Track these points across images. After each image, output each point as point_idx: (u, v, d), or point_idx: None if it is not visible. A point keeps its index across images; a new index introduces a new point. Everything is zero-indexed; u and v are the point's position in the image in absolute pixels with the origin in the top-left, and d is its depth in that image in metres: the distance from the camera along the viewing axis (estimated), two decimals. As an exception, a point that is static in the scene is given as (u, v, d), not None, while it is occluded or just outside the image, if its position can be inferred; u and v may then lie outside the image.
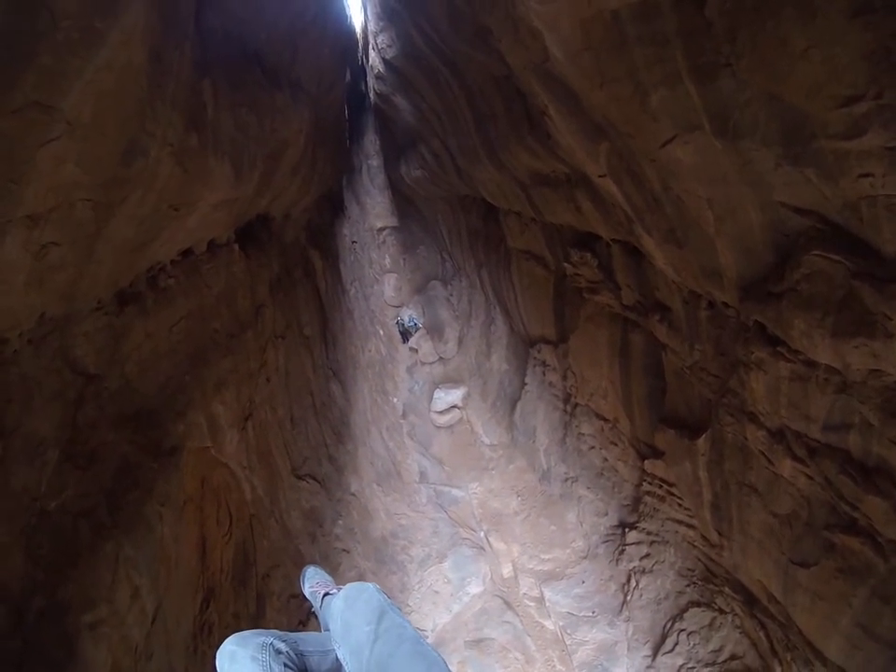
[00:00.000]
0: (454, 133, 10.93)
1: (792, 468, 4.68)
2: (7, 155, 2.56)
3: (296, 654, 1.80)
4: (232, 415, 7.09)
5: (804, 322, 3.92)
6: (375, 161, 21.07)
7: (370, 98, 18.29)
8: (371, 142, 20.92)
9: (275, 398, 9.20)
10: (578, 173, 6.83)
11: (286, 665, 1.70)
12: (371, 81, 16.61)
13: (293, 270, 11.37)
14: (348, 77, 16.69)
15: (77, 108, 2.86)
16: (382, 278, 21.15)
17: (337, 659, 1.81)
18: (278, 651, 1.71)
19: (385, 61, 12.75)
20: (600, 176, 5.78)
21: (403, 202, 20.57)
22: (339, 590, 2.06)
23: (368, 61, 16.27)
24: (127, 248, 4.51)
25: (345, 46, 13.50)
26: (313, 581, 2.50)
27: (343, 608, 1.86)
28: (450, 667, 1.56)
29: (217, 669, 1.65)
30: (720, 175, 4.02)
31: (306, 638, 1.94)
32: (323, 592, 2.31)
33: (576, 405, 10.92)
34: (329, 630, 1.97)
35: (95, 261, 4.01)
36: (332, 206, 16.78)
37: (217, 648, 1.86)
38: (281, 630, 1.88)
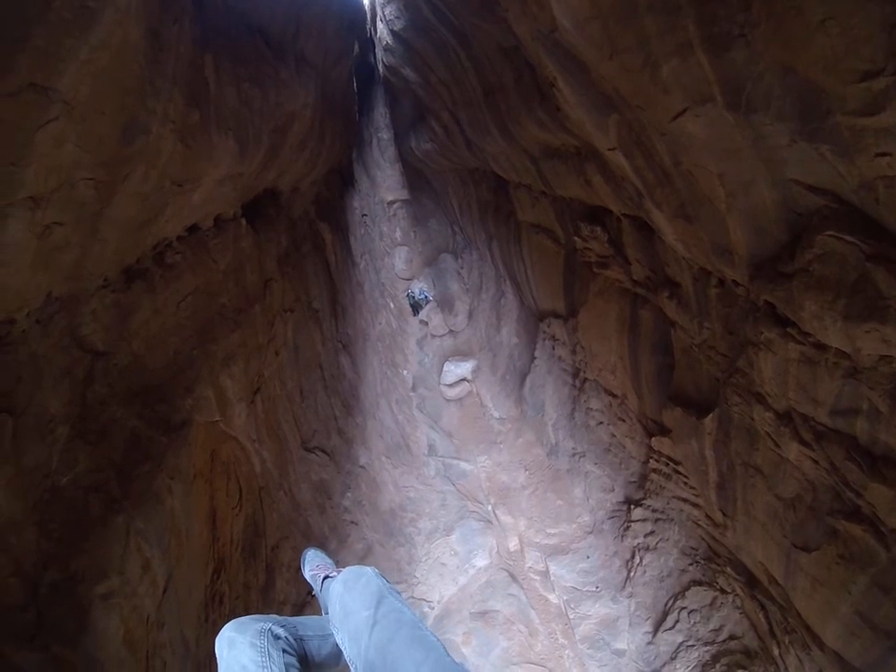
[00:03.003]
0: (463, 105, 10.72)
1: (798, 451, 4.64)
2: (6, 138, 2.56)
3: (295, 639, 1.81)
4: (241, 389, 7.15)
5: (815, 304, 3.82)
6: (385, 135, 20.77)
7: (378, 71, 18.00)
8: (380, 115, 20.59)
9: (284, 371, 9.25)
10: (588, 146, 6.67)
11: (284, 651, 1.71)
12: (379, 54, 16.30)
13: (302, 244, 11.33)
14: (356, 49, 16.36)
15: (73, 88, 2.83)
16: (392, 251, 21.05)
17: (337, 643, 1.82)
18: (277, 637, 1.72)
19: (392, 32, 12.50)
20: (610, 150, 5.63)
21: (414, 175, 20.34)
22: (339, 573, 2.06)
23: (376, 33, 15.96)
24: (132, 226, 4.51)
25: (352, 18, 13.17)
26: (313, 564, 2.49)
27: (342, 591, 1.85)
28: (449, 652, 1.56)
29: (217, 655, 1.65)
30: (732, 150, 3.88)
31: (305, 623, 1.95)
32: (323, 575, 2.30)
33: (585, 380, 10.89)
34: (328, 614, 1.97)
35: (100, 240, 4.02)
36: (342, 180, 16.62)
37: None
38: (281, 614, 1.89)
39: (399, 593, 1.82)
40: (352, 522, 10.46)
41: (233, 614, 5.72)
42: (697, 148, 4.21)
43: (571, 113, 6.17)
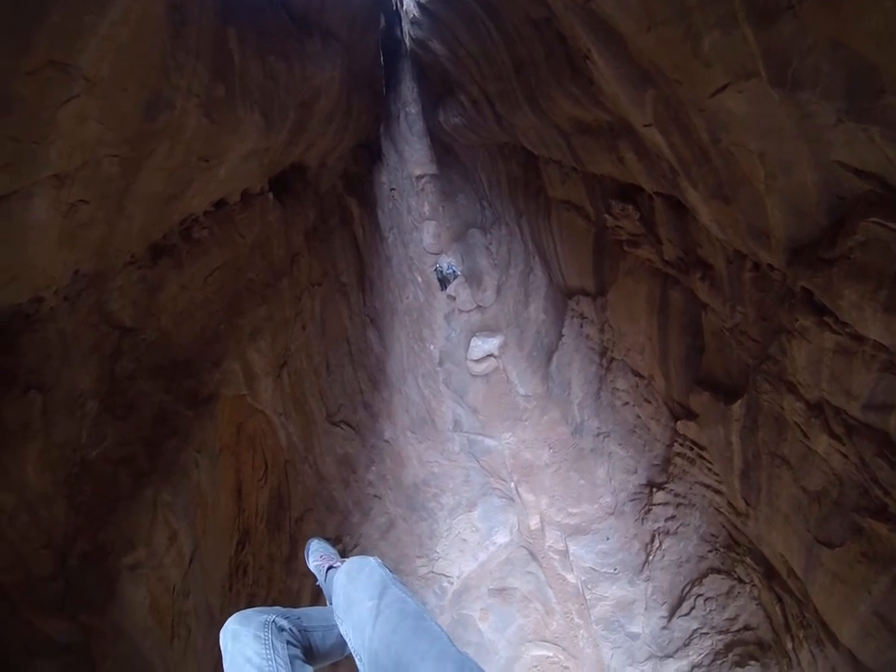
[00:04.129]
0: (492, 79, 10.47)
1: (828, 444, 4.50)
2: (28, 116, 2.56)
3: (299, 631, 1.80)
4: (268, 363, 7.24)
5: (854, 293, 3.66)
6: (413, 109, 20.50)
7: (405, 44, 17.73)
8: (408, 89, 20.30)
9: (311, 345, 9.34)
10: (621, 121, 6.45)
11: (289, 643, 1.71)
12: (406, 27, 16.02)
13: (329, 218, 11.33)
14: (382, 22, 16.11)
15: (94, 65, 2.82)
16: (420, 226, 20.94)
17: (341, 634, 1.82)
18: (281, 629, 1.71)
19: (419, 5, 12.23)
20: (645, 126, 5.44)
21: (442, 149, 20.09)
22: (342, 563, 2.06)
23: (402, 5, 15.65)
24: (158, 202, 4.55)
25: (377, -10, 12.93)
26: (317, 555, 2.48)
27: (345, 582, 1.86)
28: (453, 642, 1.57)
29: (221, 648, 1.66)
30: (774, 129, 3.70)
31: (310, 614, 1.95)
32: (327, 565, 2.29)
33: (612, 359, 10.76)
34: (332, 604, 1.97)
35: (126, 216, 4.06)
36: (370, 154, 16.49)
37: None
38: (285, 606, 1.92)
39: (402, 582, 1.83)
40: (375, 496, 10.62)
41: (257, 584, 5.93)
42: (738, 126, 4.03)
43: (605, 87, 5.96)
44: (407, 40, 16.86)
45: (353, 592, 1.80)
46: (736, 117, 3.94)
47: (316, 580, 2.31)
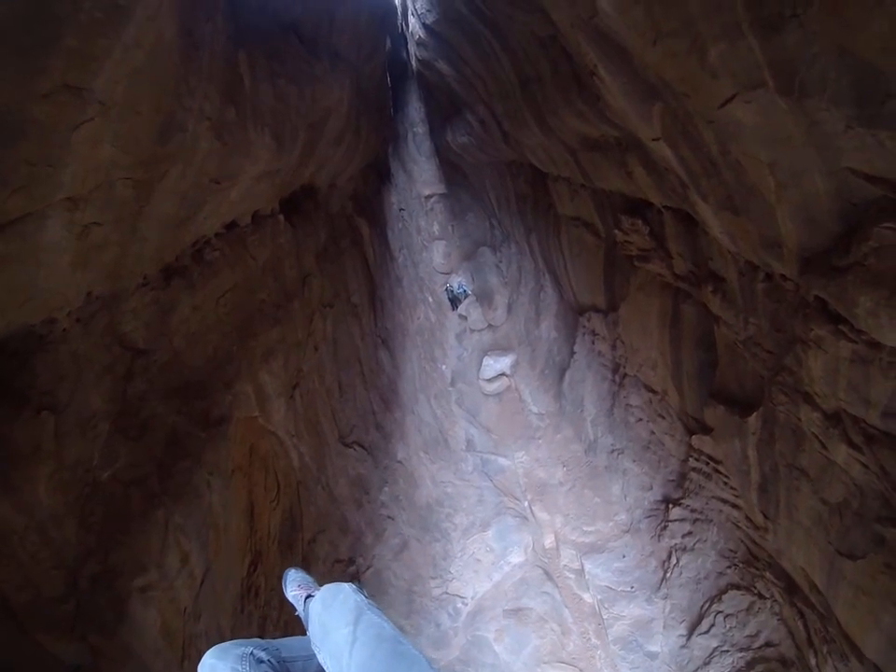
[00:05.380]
0: (499, 97, 10.59)
1: (847, 454, 4.40)
2: (42, 139, 2.61)
3: (278, 662, 1.78)
4: (280, 384, 7.26)
5: (870, 300, 3.60)
6: (420, 129, 20.76)
7: (412, 65, 18.03)
8: (415, 109, 20.59)
9: (323, 366, 9.36)
10: (629, 136, 6.48)
11: None
12: (412, 48, 16.32)
13: (340, 239, 11.44)
14: (388, 44, 16.42)
15: (108, 88, 2.87)
16: (430, 245, 21.07)
17: (320, 663, 1.78)
18: (259, 661, 1.69)
19: (425, 26, 12.45)
20: (654, 140, 5.46)
21: (450, 168, 20.28)
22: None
23: (408, 27, 15.95)
24: (170, 224, 4.60)
25: (384, 13, 13.23)
26: (294, 585, 2.43)
27: (321, 610, 1.84)
28: (431, 664, 1.54)
29: None
30: (783, 138, 3.69)
31: (289, 644, 1.92)
32: (305, 594, 2.24)
33: (625, 375, 10.66)
34: (310, 633, 1.93)
35: (139, 238, 4.11)
36: (378, 175, 16.71)
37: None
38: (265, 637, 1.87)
39: (377, 607, 1.80)
40: (388, 517, 10.54)
41: (269, 606, 5.85)
42: (746, 136, 4.02)
43: (612, 102, 6.00)
44: (413, 61, 17.16)
45: (328, 619, 1.78)
46: (745, 127, 3.93)
47: (296, 610, 2.25)
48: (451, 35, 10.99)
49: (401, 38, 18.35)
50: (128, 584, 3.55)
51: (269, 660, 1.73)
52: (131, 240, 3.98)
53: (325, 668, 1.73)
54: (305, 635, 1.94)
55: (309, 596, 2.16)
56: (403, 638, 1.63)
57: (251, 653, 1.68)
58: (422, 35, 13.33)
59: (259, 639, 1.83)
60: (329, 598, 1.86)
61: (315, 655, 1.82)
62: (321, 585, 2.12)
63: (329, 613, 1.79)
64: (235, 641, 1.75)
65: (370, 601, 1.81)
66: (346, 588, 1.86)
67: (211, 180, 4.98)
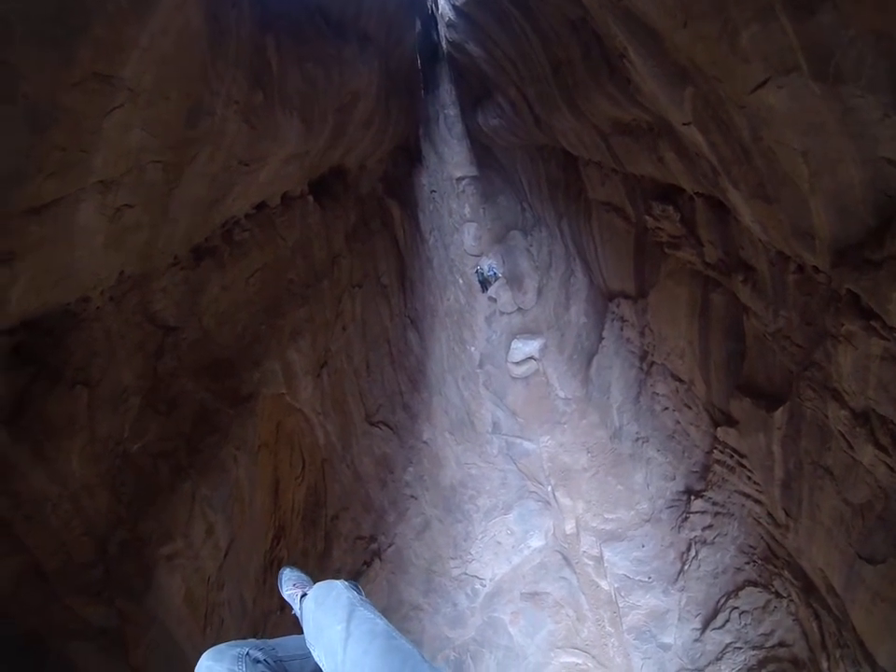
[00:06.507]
0: (530, 80, 10.43)
1: (873, 455, 4.27)
2: (74, 126, 2.69)
3: (275, 661, 1.78)
4: (308, 363, 7.34)
5: (903, 296, 3.49)
6: (452, 111, 20.57)
7: (442, 47, 17.88)
8: (446, 91, 20.39)
9: (352, 346, 9.43)
10: (660, 121, 6.32)
11: None
12: (442, 30, 16.21)
13: (370, 220, 11.45)
14: (418, 26, 16.25)
15: (137, 75, 2.94)
16: (461, 227, 20.99)
17: (316, 662, 1.79)
18: (255, 661, 1.69)
19: (454, 7, 12.31)
20: (684, 124, 5.32)
21: (482, 151, 20.10)
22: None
23: (438, 9, 15.80)
24: (200, 205, 4.70)
25: (412, -6, 13.01)
26: (289, 584, 2.42)
27: (314, 608, 1.86)
28: (425, 657, 1.56)
29: None
30: (817, 125, 3.57)
31: (285, 644, 1.93)
32: (300, 593, 2.21)
33: (652, 363, 10.53)
34: (305, 632, 1.94)
35: (170, 220, 4.22)
36: (409, 156, 16.63)
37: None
38: (342, 577, 1.89)
39: (370, 602, 1.82)
40: (412, 496, 10.66)
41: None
42: (779, 123, 3.90)
43: (643, 86, 5.85)
44: (444, 43, 17.01)
45: (322, 617, 1.79)
46: (778, 113, 3.81)
47: (292, 609, 2.25)
48: (480, 17, 10.85)
49: (431, 20, 18.18)
50: (155, 552, 3.70)
51: (265, 660, 1.74)
52: (161, 221, 4.08)
53: (321, 666, 1.74)
54: (302, 633, 1.94)
55: (304, 595, 2.16)
56: (396, 633, 1.65)
57: (247, 654, 1.69)
58: (452, 17, 13.18)
59: (254, 640, 1.83)
60: (322, 596, 1.87)
61: (311, 654, 1.83)
62: (311, 589, 2.12)
63: (323, 611, 1.81)
64: (231, 643, 1.75)
65: (362, 597, 1.83)
66: (338, 585, 1.88)
67: (240, 162, 5.05)
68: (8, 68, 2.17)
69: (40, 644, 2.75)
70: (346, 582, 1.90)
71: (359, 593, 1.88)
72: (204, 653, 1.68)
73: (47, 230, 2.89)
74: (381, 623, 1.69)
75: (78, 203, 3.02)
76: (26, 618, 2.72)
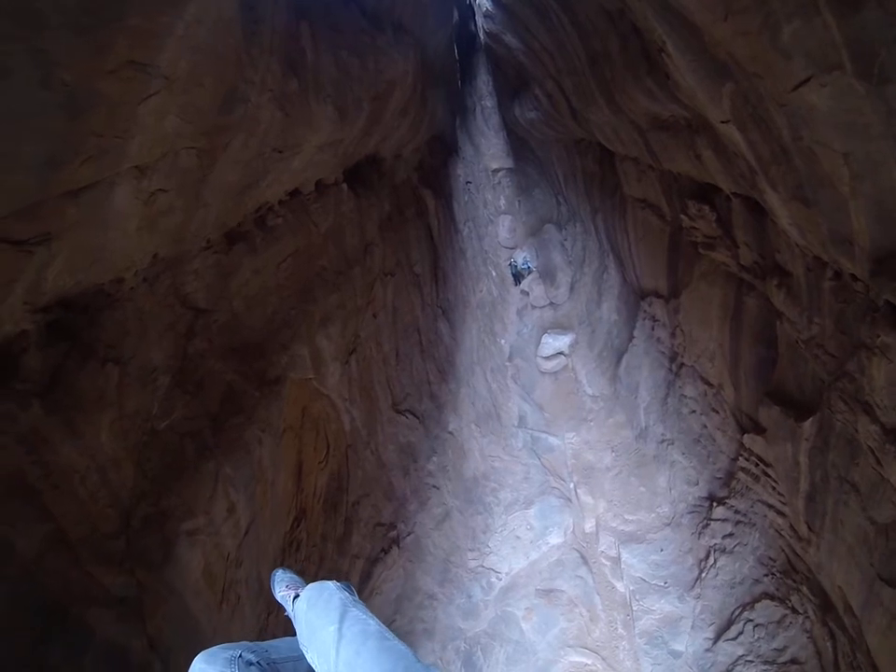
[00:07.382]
0: (567, 73, 10.27)
1: (902, 473, 4.14)
2: (110, 112, 2.76)
3: (268, 664, 1.77)
4: (336, 349, 7.39)
5: (941, 309, 3.34)
6: (489, 102, 20.46)
7: (479, 38, 17.76)
8: (483, 82, 20.28)
9: (381, 333, 9.47)
10: (698, 118, 6.15)
11: None
12: (479, 20, 16.07)
13: (404, 209, 11.48)
14: (455, 16, 16.16)
15: (172, 64, 3.00)
16: (496, 219, 20.92)
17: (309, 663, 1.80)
18: (248, 663, 1.68)
19: (492, -2, 12.13)
20: (723, 122, 5.17)
21: (518, 143, 19.92)
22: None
23: (475, -1, 15.58)
24: (233, 191, 4.79)
25: (450, -16, 12.95)
26: (282, 585, 2.40)
27: (306, 609, 1.85)
28: (418, 658, 1.56)
29: None
30: (860, 126, 3.43)
31: (278, 646, 1.92)
32: (293, 594, 2.19)
33: (681, 365, 10.33)
34: (298, 633, 1.93)
35: (203, 205, 4.31)
36: (445, 147, 16.61)
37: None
38: (341, 580, 1.87)
39: (362, 603, 1.82)
40: (434, 486, 10.69)
41: (308, 561, 6.15)
42: (820, 123, 3.76)
43: (681, 81, 5.70)
44: (481, 34, 16.86)
45: (314, 618, 1.79)
46: (819, 112, 3.67)
47: (285, 610, 2.23)
48: (518, 7, 10.70)
49: (469, 10, 18.05)
50: (176, 527, 3.81)
51: (258, 662, 1.73)
52: (195, 206, 4.17)
53: (314, 667, 1.74)
54: (295, 636, 1.93)
55: (297, 596, 2.13)
56: (389, 634, 1.65)
57: (240, 656, 1.68)
58: (489, 7, 13.08)
59: (247, 642, 1.82)
60: (314, 597, 1.87)
61: (304, 656, 1.83)
62: (303, 590, 2.11)
63: (315, 612, 1.81)
64: (223, 645, 1.74)
65: (354, 598, 1.82)
66: (330, 586, 1.87)
67: (273, 150, 5.12)
68: (44, 56, 2.23)
69: (61, 608, 2.87)
70: (338, 583, 1.90)
71: (352, 593, 1.87)
72: (197, 656, 1.68)
73: (83, 213, 2.98)
74: (373, 623, 1.69)
75: (114, 187, 3.11)
76: (49, 583, 2.84)
